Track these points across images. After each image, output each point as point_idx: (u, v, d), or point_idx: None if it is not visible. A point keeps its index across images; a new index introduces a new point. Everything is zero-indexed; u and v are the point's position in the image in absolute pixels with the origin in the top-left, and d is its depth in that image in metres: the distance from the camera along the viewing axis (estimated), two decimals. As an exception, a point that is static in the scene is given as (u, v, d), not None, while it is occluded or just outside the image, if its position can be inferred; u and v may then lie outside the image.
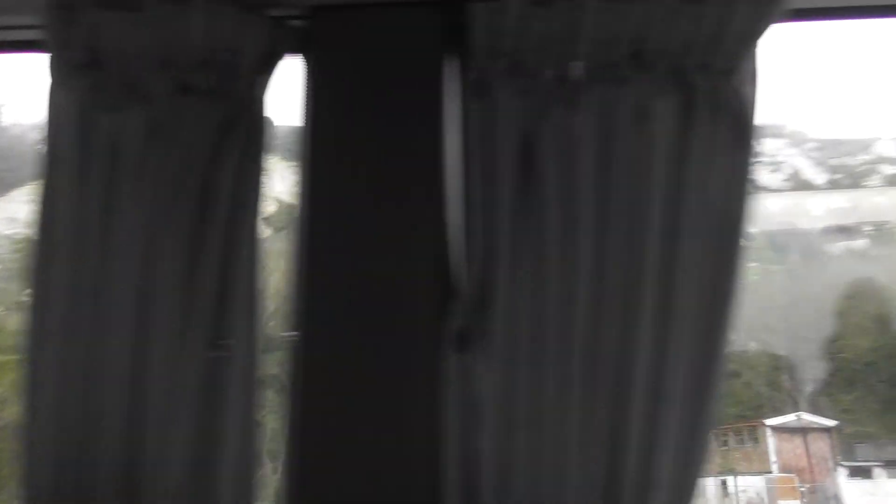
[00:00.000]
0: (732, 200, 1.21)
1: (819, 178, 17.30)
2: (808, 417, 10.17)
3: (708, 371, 1.20)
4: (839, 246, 15.48)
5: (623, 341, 1.19)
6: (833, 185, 16.93)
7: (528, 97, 1.24)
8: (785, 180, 17.23)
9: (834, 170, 17.30)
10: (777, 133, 18.63)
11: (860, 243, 15.73)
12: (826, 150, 17.90)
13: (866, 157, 17.22)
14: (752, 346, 13.92)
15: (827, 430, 10.01)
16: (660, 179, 1.20)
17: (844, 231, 15.80)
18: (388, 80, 1.32)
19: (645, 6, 1.21)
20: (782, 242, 15.74)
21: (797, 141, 18.13)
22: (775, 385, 12.84)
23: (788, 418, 10.24)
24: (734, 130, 1.21)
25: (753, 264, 15.60)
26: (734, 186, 1.22)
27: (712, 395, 1.20)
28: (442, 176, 1.27)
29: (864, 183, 16.71)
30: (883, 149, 17.27)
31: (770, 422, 10.12)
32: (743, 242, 1.22)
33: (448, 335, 1.20)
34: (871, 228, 15.82)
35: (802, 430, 9.99)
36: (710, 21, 1.20)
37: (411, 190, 1.28)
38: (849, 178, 16.95)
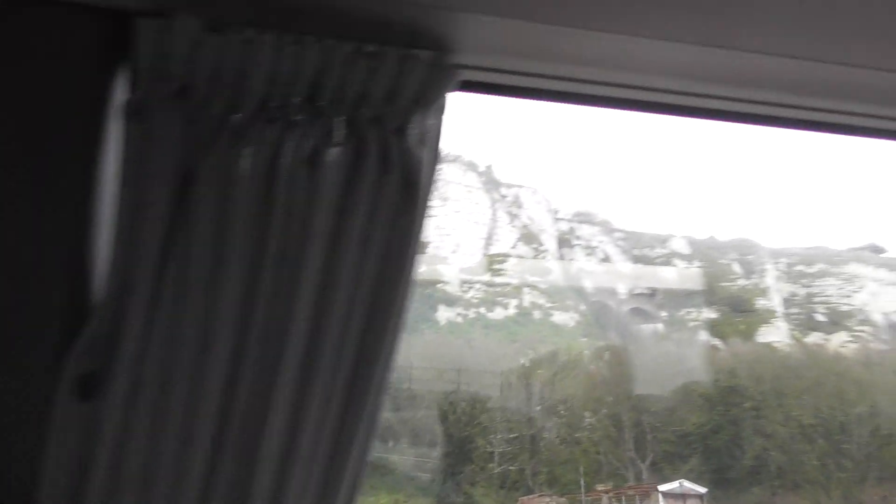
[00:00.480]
0: (394, 259, 1.19)
1: (624, 265, 19.18)
2: (688, 485, 10.95)
3: (350, 433, 1.16)
4: (646, 328, 17.19)
5: (260, 397, 1.12)
6: (636, 272, 18.83)
7: (192, 127, 1.15)
8: (599, 262, 18.87)
9: (636, 259, 19.30)
10: (590, 220, 20.44)
11: (659, 326, 17.63)
12: (629, 241, 19.92)
13: (662, 251, 19.50)
14: (587, 415, 14.69)
15: (700, 496, 10.87)
16: (322, 228, 1.16)
17: (646, 315, 17.61)
18: (38, 86, 1.18)
19: (322, 53, 1.17)
20: (603, 321, 17.08)
21: (607, 229, 20.01)
22: (615, 453, 13.61)
23: (673, 485, 10.93)
24: (403, 189, 1.19)
25: (584, 339, 16.69)
26: (398, 245, 1.19)
27: (354, 458, 1.16)
28: (90, 200, 1.16)
29: (661, 273, 18.83)
30: (676, 245, 19.67)
31: (662, 487, 10.73)
32: (402, 303, 1.19)
33: (66, 377, 1.08)
34: (665, 315, 17.82)
35: (683, 497, 10.74)
36: (384, 78, 1.20)
37: (51, 211, 1.15)
38: (648, 269, 18.98)
